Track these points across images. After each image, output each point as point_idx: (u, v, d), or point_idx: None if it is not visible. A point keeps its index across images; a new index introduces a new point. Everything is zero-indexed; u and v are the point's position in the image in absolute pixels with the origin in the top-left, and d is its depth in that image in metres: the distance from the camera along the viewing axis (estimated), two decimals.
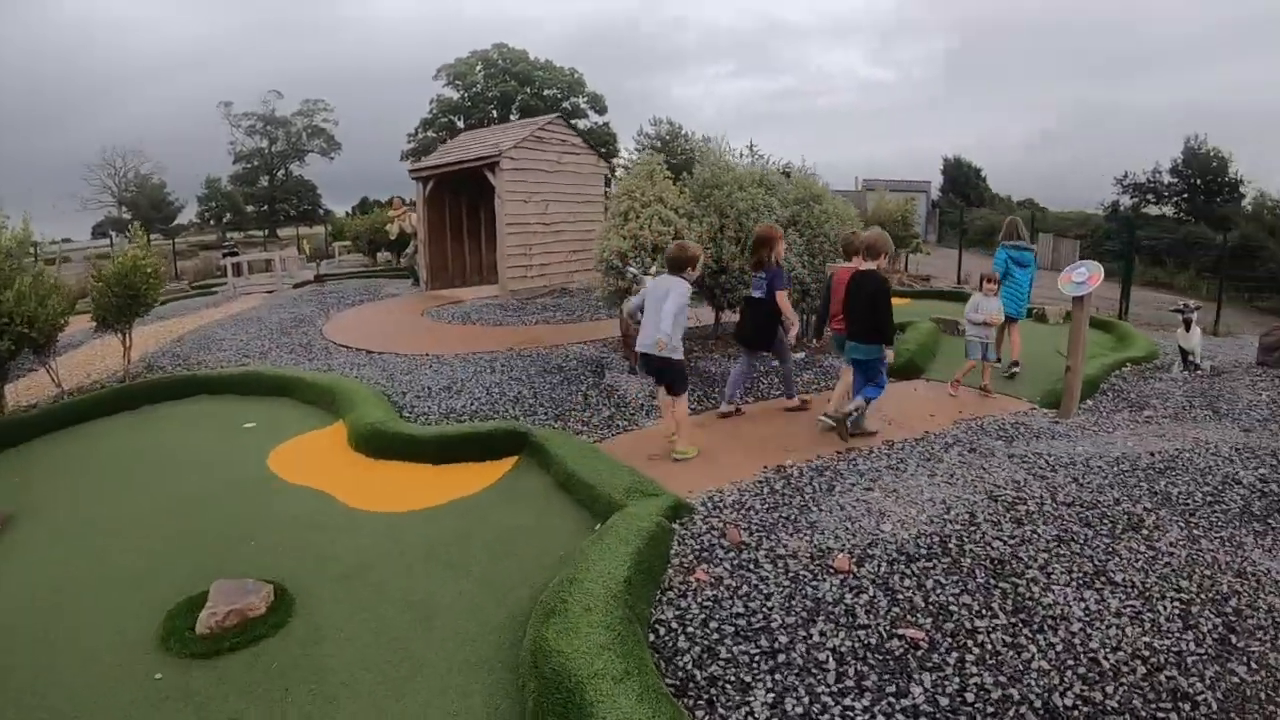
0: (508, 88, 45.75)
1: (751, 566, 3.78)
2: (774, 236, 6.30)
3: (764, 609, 3.44)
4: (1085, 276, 6.41)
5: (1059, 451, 5.47)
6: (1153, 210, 31.71)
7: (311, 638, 3.44)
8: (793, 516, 4.34)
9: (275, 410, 7.25)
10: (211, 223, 51.25)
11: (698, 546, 3.99)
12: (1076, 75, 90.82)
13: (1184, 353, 8.18)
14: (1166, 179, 32.36)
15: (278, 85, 57.03)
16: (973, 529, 4.16)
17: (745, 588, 3.59)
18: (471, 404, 6.93)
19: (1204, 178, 31.17)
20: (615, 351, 8.81)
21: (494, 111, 45.80)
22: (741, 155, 9.30)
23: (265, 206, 52.12)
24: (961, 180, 44.98)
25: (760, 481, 4.94)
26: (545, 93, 46.59)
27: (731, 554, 3.90)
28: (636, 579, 3.37)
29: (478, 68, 46.98)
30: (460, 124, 45.87)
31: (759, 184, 8.64)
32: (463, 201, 15.83)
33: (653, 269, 7.41)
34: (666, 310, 5.15)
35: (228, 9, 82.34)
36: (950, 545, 3.99)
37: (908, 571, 3.74)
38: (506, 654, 3.23)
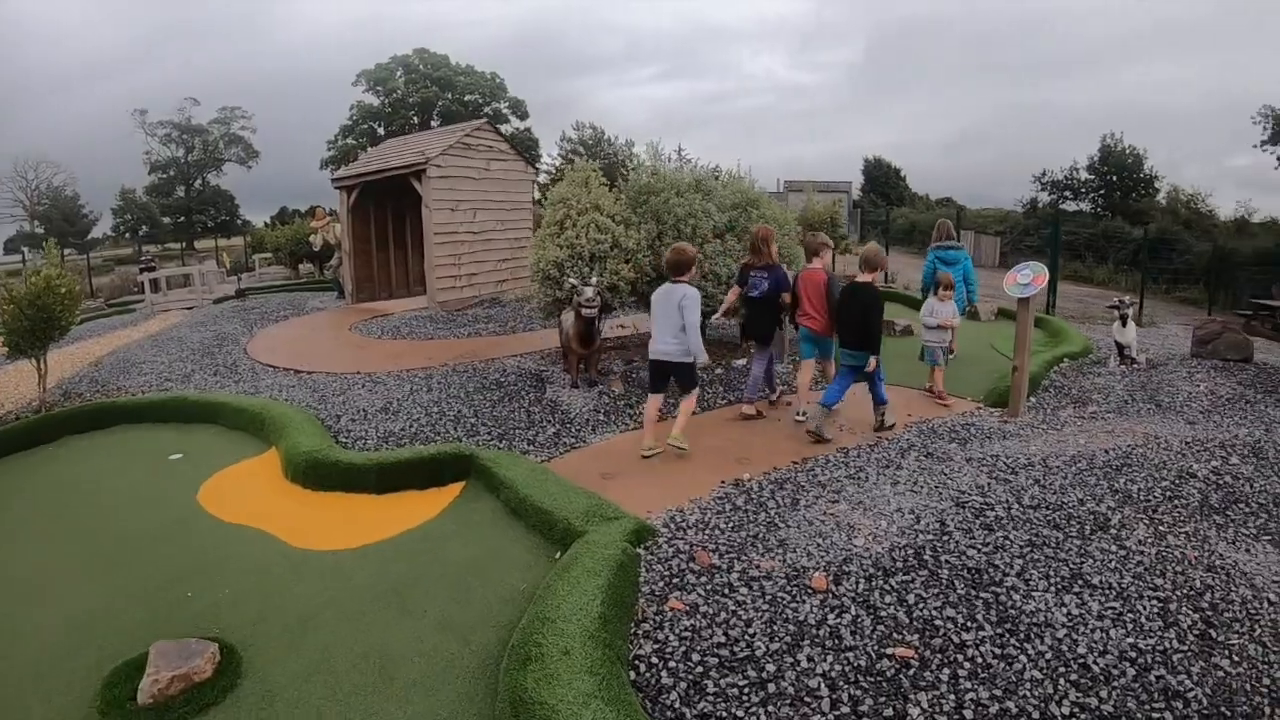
0: (429, 93, 44.94)
1: (726, 591, 3.61)
2: (771, 234, 6.77)
3: (746, 636, 3.27)
4: (1030, 278, 6.47)
5: (1014, 452, 5.48)
6: (1070, 206, 32.98)
7: (264, 700, 3.11)
8: (760, 534, 4.19)
9: (202, 439, 6.75)
10: (127, 235, 49.03)
11: (667, 573, 3.80)
12: (996, 76, 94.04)
13: (1120, 347, 8.39)
14: (1084, 176, 33.72)
15: (194, 93, 54.61)
16: (945, 538, 4.08)
17: (723, 614, 3.42)
18: (410, 426, 6.56)
19: (1120, 174, 32.55)
20: (554, 364, 8.54)
21: (415, 117, 44.92)
22: (670, 159, 9.11)
23: (182, 218, 50.14)
24: (882, 180, 46.05)
25: (720, 498, 4.77)
26: (467, 98, 45.94)
27: (703, 579, 3.72)
28: (611, 614, 3.16)
29: (398, 73, 46.04)
30: (381, 131, 44.85)
31: (696, 189, 8.51)
32: (388, 210, 15.32)
33: (593, 279, 7.20)
34: (691, 324, 5.45)
35: (141, 15, 77.97)
36: (925, 557, 3.90)
37: (887, 587, 3.63)
38: (480, 705, 2.97)
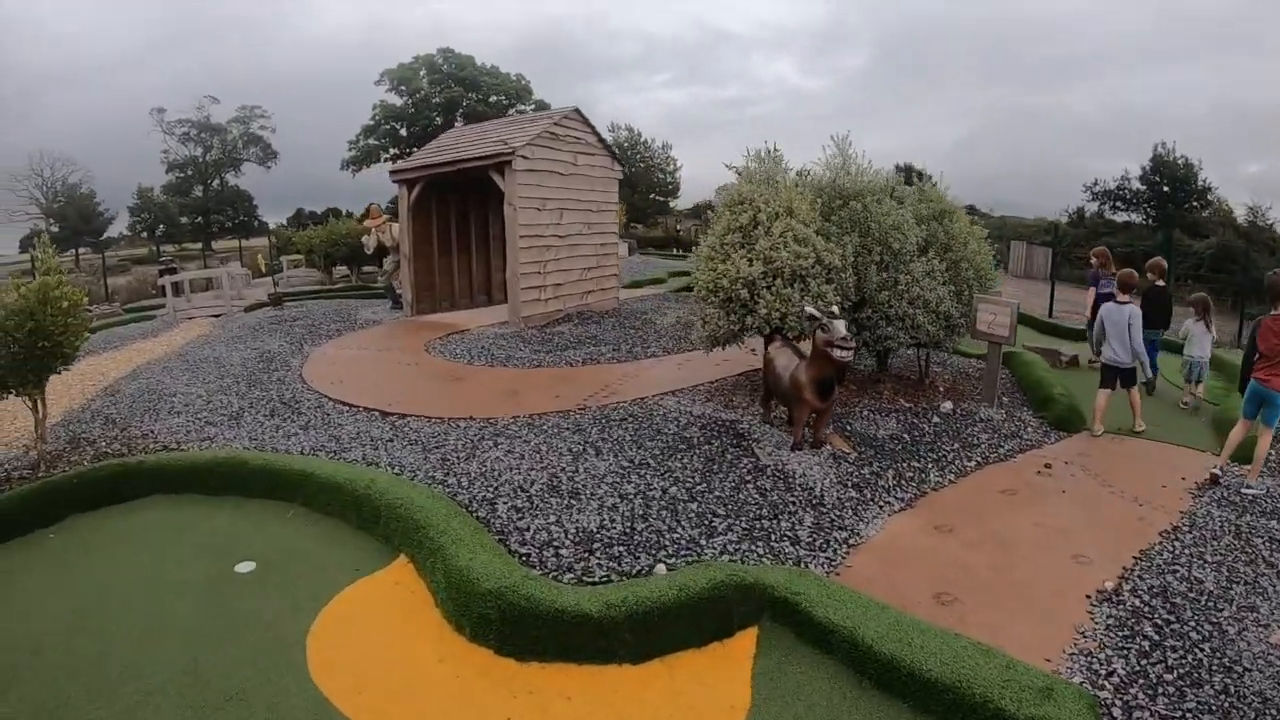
0: (453, 93, 43.45)
1: None
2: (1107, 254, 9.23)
3: None
4: None
5: None
6: (1120, 217, 31.63)
7: None
8: (1238, 690, 3.02)
9: (280, 531, 4.66)
10: (144, 235, 47.95)
11: None
12: (1000, 81, 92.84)
13: None
14: (1135, 186, 32.37)
15: (212, 91, 53.03)
16: None
17: None
18: (611, 519, 4.48)
19: (1173, 185, 31.22)
20: (733, 409, 6.71)
21: (438, 118, 43.46)
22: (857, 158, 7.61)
23: (200, 218, 49.27)
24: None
25: (1118, 628, 3.49)
26: (492, 99, 44.42)
27: None
28: None
29: (421, 73, 44.60)
30: (403, 131, 43.60)
31: (890, 195, 7.23)
32: (451, 209, 13.81)
33: (835, 307, 5.77)
34: (1137, 337, 6.44)
35: (159, 12, 76.12)
36: None
37: None
38: None
